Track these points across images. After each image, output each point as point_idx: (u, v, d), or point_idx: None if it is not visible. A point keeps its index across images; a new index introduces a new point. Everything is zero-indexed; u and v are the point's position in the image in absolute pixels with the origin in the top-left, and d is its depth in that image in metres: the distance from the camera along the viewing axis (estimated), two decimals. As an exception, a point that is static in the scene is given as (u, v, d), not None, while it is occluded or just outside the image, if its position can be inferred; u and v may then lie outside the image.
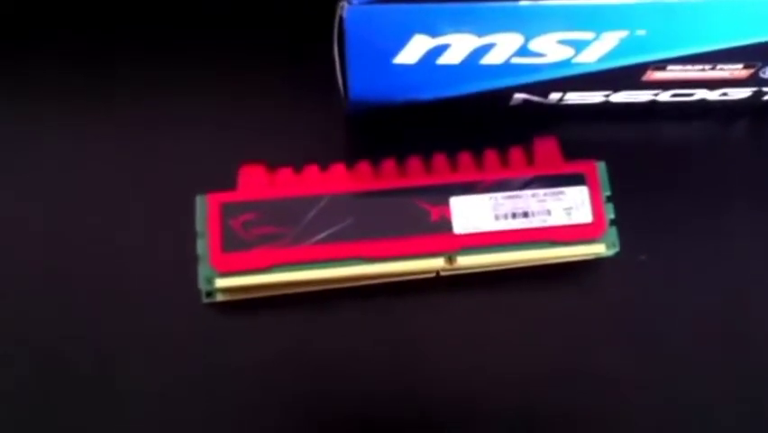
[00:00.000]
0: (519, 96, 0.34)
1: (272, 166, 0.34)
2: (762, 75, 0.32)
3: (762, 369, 0.34)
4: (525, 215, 0.32)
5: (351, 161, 0.34)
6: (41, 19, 0.37)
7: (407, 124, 0.35)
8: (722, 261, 0.35)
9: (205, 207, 0.32)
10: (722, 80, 0.33)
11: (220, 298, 0.33)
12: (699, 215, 0.36)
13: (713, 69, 0.32)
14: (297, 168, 0.34)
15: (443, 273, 0.33)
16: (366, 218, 0.32)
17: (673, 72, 0.32)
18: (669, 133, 0.37)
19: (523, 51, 0.30)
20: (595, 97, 0.34)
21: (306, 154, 0.34)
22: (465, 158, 0.34)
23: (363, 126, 0.36)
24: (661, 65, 0.31)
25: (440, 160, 0.34)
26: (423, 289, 0.34)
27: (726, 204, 0.36)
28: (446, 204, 0.33)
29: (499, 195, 0.33)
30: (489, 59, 0.30)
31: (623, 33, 0.29)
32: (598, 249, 0.33)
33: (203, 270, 0.32)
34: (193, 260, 0.32)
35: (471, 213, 0.32)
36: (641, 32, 0.29)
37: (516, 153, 0.34)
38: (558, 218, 0.32)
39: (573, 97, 0.34)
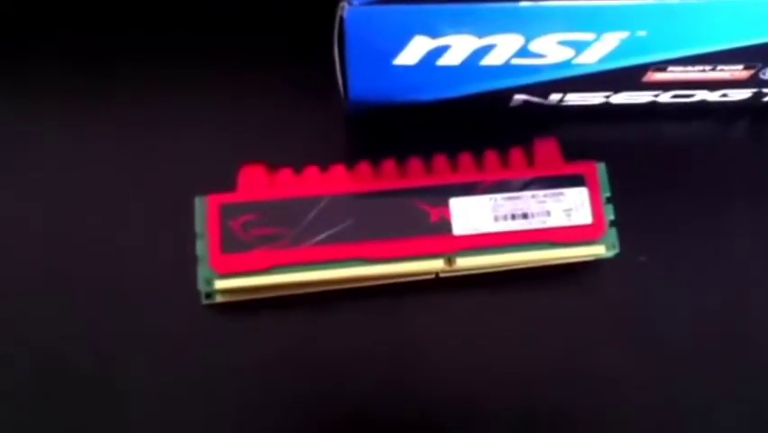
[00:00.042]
0: (519, 96, 0.33)
1: (272, 166, 0.34)
2: (762, 76, 0.32)
3: (762, 369, 0.34)
4: (525, 216, 0.32)
5: (351, 161, 0.34)
6: (41, 19, 0.37)
7: (407, 124, 0.35)
8: (722, 261, 0.35)
9: (205, 208, 0.32)
10: (722, 81, 0.33)
11: (219, 299, 0.33)
12: (699, 215, 0.36)
13: (713, 69, 0.32)
14: (297, 168, 0.34)
15: (442, 275, 0.33)
16: (366, 219, 0.32)
17: (674, 73, 0.32)
18: (669, 134, 0.37)
19: (523, 52, 0.30)
20: (595, 98, 0.34)
21: (306, 155, 0.34)
22: (465, 159, 0.34)
23: (363, 127, 0.36)
24: (661, 66, 0.31)
25: (440, 160, 0.34)
26: (423, 289, 0.34)
27: (726, 204, 0.36)
28: (446, 205, 0.32)
29: (499, 196, 0.33)
30: (490, 60, 0.30)
31: (623, 34, 0.29)
32: (597, 250, 0.33)
33: (202, 271, 0.32)
34: (192, 261, 0.32)
35: (471, 214, 0.32)
36: (641, 33, 0.29)
37: (516, 154, 0.34)
38: (558, 219, 0.32)
39: (574, 98, 0.34)
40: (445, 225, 0.32)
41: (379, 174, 0.33)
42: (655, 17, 0.28)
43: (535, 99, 0.34)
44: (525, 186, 0.33)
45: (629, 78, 0.32)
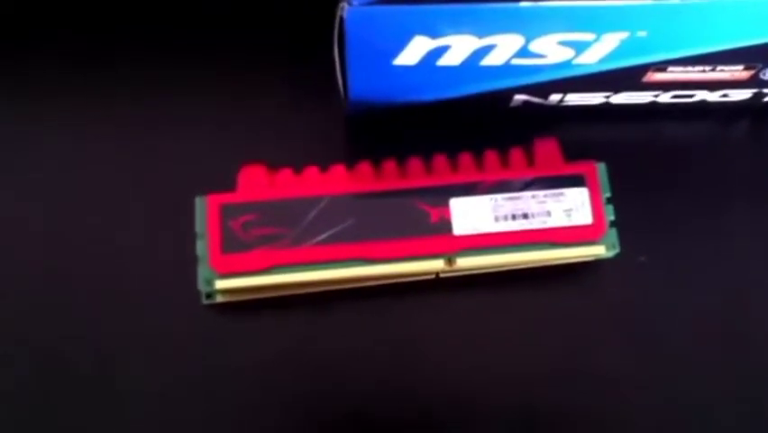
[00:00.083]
0: (520, 97, 0.33)
1: (272, 166, 0.34)
2: (762, 76, 0.32)
3: (762, 369, 0.34)
4: (525, 216, 0.32)
5: (351, 161, 0.34)
6: (41, 19, 0.37)
7: (407, 124, 0.35)
8: (722, 261, 0.35)
9: (205, 209, 0.32)
10: (722, 82, 0.33)
11: (220, 299, 0.33)
12: (699, 215, 0.36)
13: (713, 70, 0.32)
14: (297, 168, 0.34)
15: (442, 275, 0.33)
16: (366, 219, 0.32)
17: (674, 73, 0.32)
18: (669, 134, 0.37)
19: (523, 53, 0.30)
20: (595, 99, 0.34)
21: (306, 155, 0.34)
22: (465, 159, 0.34)
23: (363, 127, 0.36)
24: (661, 66, 0.31)
25: (440, 161, 0.34)
26: (423, 289, 0.34)
27: (726, 204, 0.36)
28: (446, 205, 0.32)
29: (499, 196, 0.33)
30: (490, 60, 0.30)
31: (623, 35, 0.29)
32: (598, 251, 0.33)
33: (202, 271, 0.32)
34: (193, 261, 0.32)
35: (471, 214, 0.32)
36: (642, 34, 0.29)
37: (516, 154, 0.34)
38: (558, 220, 0.32)
39: (574, 99, 0.34)
40: (446, 225, 0.32)
41: (380, 174, 0.33)
42: (655, 17, 0.28)
43: (536, 99, 0.34)
44: (526, 186, 0.33)
45: (629, 78, 0.32)
